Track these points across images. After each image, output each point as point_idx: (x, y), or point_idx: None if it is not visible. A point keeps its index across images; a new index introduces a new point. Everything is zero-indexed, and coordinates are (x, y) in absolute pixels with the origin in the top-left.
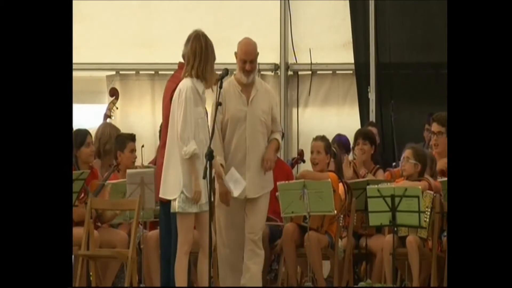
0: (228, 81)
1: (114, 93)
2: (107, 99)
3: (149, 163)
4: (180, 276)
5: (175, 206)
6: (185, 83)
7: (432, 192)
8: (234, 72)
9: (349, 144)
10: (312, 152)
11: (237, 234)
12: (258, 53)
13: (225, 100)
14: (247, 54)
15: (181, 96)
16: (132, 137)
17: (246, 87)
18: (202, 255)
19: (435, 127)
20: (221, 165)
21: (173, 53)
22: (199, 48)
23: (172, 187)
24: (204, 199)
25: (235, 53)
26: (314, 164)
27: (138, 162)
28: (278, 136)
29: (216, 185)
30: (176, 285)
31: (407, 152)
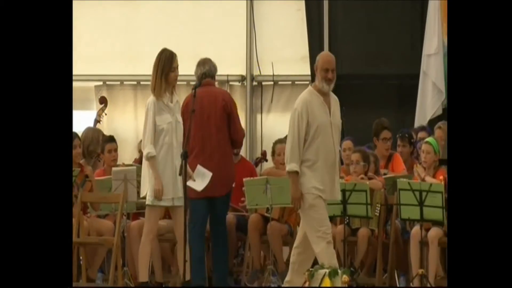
0: (309, 92)
1: (103, 101)
2: (95, 106)
3: (133, 162)
4: (143, 260)
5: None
6: (149, 98)
7: (383, 190)
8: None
9: None
10: (279, 154)
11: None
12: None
13: (311, 109)
14: (329, 63)
15: (146, 109)
16: (110, 139)
17: (326, 97)
18: (178, 245)
19: (386, 134)
20: (296, 172)
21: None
22: (153, 66)
23: (144, 184)
24: (171, 194)
25: (315, 66)
26: (281, 163)
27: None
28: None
29: None
30: (139, 268)
31: (356, 156)
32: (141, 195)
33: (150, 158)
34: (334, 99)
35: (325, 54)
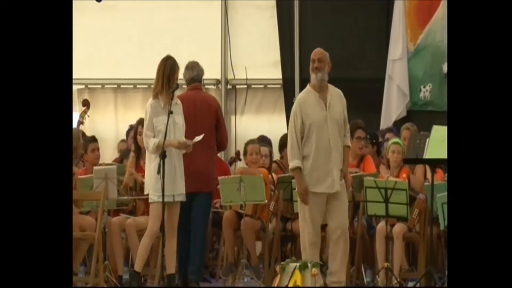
0: (305, 91)
1: (86, 103)
2: (78, 108)
3: (113, 161)
4: (142, 252)
5: None
6: (149, 100)
7: (351, 188)
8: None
9: (271, 142)
10: (251, 154)
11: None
12: (327, 56)
13: (305, 108)
14: (315, 54)
15: (145, 111)
16: (93, 139)
17: (322, 93)
18: (168, 239)
19: (360, 133)
20: (298, 167)
21: (132, 70)
22: (157, 71)
23: (147, 183)
24: (171, 191)
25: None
26: (253, 163)
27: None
28: (348, 141)
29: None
30: (138, 259)
31: None
32: (145, 193)
33: (155, 150)
34: (335, 94)
35: (314, 51)
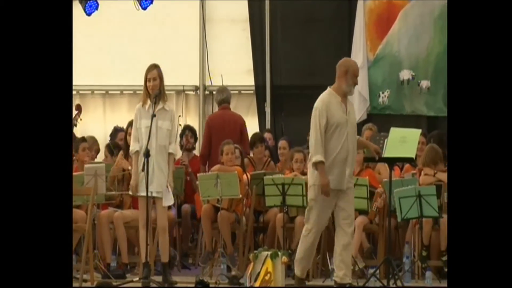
0: (328, 93)
1: (78, 108)
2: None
3: (102, 160)
4: (143, 243)
5: None
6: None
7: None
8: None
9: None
10: (227, 154)
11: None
12: None
13: (330, 108)
14: (358, 71)
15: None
16: (83, 139)
17: (343, 98)
18: (159, 232)
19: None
20: (322, 161)
21: (118, 78)
22: None
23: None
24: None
25: (344, 71)
26: (228, 161)
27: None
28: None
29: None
30: (141, 251)
31: (299, 155)
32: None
33: (133, 154)
34: (350, 104)
35: (355, 63)
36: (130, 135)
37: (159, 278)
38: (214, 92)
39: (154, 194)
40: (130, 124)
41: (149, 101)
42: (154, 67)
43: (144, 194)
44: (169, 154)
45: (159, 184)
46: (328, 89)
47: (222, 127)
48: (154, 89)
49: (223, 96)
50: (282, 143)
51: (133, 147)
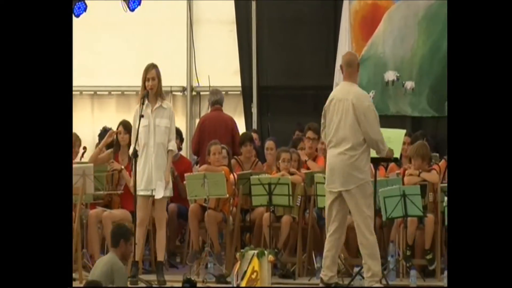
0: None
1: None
2: None
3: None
4: (139, 241)
5: None
6: None
7: (303, 184)
8: None
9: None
10: (214, 154)
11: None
12: None
13: None
14: None
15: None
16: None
17: None
18: (157, 229)
19: (310, 134)
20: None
21: (106, 79)
22: None
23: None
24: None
25: (359, 66)
26: (216, 161)
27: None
28: None
29: None
30: (137, 250)
31: (286, 155)
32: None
33: (132, 155)
34: None
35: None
36: (120, 133)
37: (147, 277)
38: (201, 93)
39: (153, 193)
40: (121, 123)
41: (147, 101)
42: (153, 67)
43: (142, 193)
44: (169, 151)
45: (157, 184)
46: (356, 85)
47: (214, 128)
48: (153, 88)
49: (217, 97)
50: (269, 143)
51: (130, 149)
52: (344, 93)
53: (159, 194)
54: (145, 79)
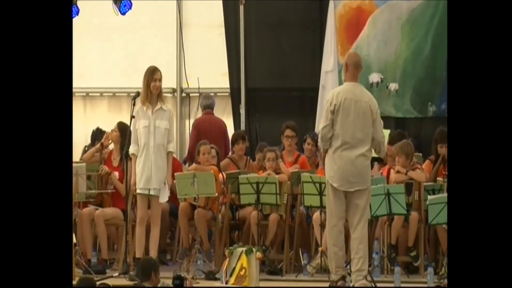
0: None
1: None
2: None
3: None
4: (139, 239)
5: None
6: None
7: (290, 182)
8: None
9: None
10: (203, 154)
11: None
12: None
13: None
14: None
15: None
16: None
17: None
18: (152, 228)
19: (288, 132)
20: None
21: (98, 81)
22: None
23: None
24: (149, 185)
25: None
26: (205, 161)
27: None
28: None
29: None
30: (137, 247)
31: (272, 154)
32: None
33: (131, 155)
34: None
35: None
36: (116, 131)
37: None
38: (191, 95)
39: (152, 192)
40: (118, 125)
41: (148, 102)
42: (158, 69)
43: (141, 192)
44: (169, 152)
45: (157, 182)
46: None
47: (209, 130)
48: (159, 89)
49: (208, 102)
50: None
51: (130, 149)
52: (357, 94)
53: (163, 198)
54: (150, 80)
